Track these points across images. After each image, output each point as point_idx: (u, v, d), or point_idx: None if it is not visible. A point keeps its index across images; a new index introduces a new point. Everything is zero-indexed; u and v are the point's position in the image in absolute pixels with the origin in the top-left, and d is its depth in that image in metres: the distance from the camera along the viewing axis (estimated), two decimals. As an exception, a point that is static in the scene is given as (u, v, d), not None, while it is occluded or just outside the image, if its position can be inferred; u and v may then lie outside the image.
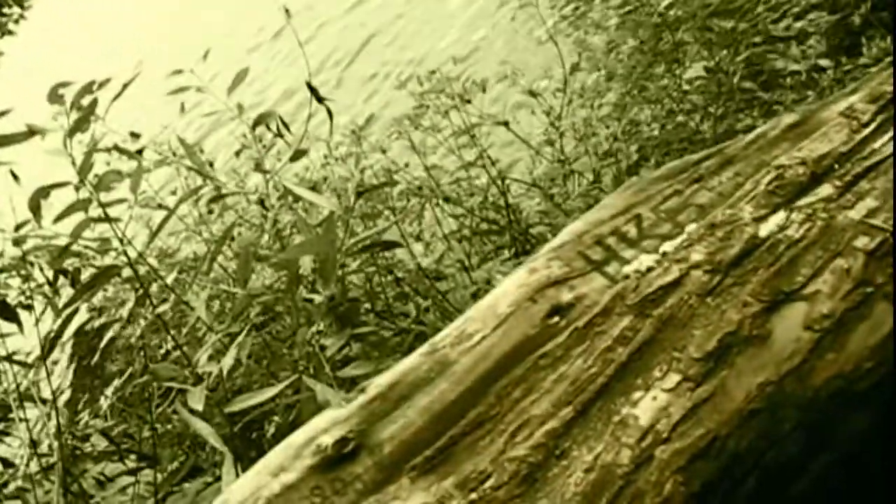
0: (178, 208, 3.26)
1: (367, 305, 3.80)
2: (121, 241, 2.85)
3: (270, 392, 2.55)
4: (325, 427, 1.55)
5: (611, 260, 1.76)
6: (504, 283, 1.73)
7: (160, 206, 3.36)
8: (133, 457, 4.59)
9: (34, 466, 4.02)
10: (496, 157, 4.11)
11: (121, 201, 2.86)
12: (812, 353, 1.61)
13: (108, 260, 3.27)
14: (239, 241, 3.59)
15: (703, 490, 1.49)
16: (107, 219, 2.83)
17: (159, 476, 4.21)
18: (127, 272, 3.15)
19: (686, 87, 4.29)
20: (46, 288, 3.94)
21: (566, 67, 4.27)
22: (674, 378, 1.56)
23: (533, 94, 3.97)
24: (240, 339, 2.80)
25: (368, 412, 1.56)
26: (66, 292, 3.35)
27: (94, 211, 2.94)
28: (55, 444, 3.92)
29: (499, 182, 3.86)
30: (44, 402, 4.19)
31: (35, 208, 2.96)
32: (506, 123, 3.77)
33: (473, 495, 1.45)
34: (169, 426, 4.68)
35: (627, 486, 1.47)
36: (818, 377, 1.61)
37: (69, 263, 3.47)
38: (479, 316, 1.68)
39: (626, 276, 1.73)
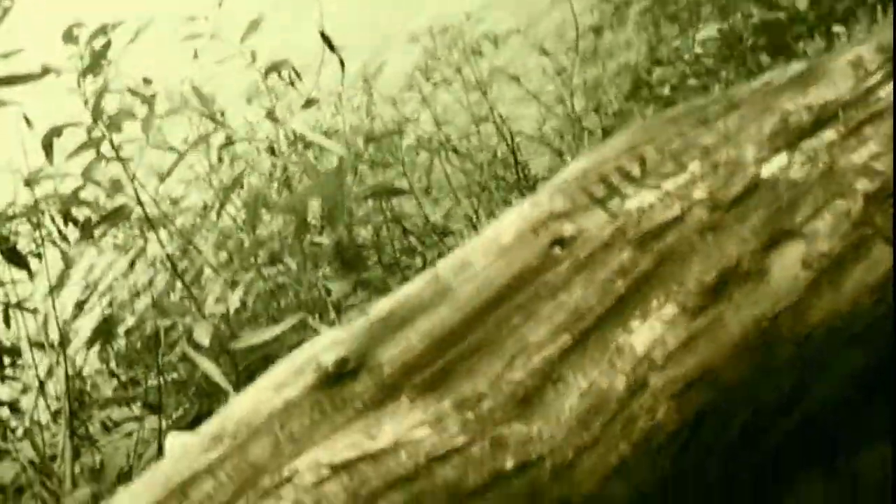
0: (189, 152, 3.28)
1: (375, 258, 3.83)
2: (132, 180, 2.87)
3: (275, 330, 2.58)
4: (327, 347, 1.58)
5: (613, 196, 1.78)
6: (507, 215, 1.75)
7: (171, 149, 3.38)
8: (139, 403, 4.64)
9: (43, 410, 4.07)
10: (506, 114, 4.12)
11: (132, 142, 2.89)
12: (809, 291, 1.63)
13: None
14: (248, 189, 3.62)
15: (696, 418, 1.51)
16: (118, 158, 2.85)
17: (164, 423, 4.26)
18: (136, 214, 3.17)
19: (698, 49, 4.29)
20: (56, 236, 3.97)
21: (578, 27, 4.26)
22: (671, 309, 1.58)
23: (545, 52, 3.97)
24: (247, 278, 2.84)
25: (369, 334, 1.59)
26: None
27: (107, 153, 2.96)
28: (62, 388, 3.97)
29: (508, 138, 3.87)
30: (52, 347, 4.24)
31: (48, 146, 2.98)
32: (517, 79, 3.77)
33: (470, 415, 1.48)
34: (175, 375, 4.73)
35: (622, 411, 1.49)
36: (814, 315, 1.63)
37: (79, 213, 3.50)
38: (482, 245, 1.71)
39: (628, 212, 1.74)
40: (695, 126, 2.00)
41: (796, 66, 2.14)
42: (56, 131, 3.00)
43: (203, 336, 2.52)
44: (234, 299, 2.74)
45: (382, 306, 1.66)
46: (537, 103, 4.19)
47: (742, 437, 1.59)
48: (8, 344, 4.28)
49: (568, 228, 1.76)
